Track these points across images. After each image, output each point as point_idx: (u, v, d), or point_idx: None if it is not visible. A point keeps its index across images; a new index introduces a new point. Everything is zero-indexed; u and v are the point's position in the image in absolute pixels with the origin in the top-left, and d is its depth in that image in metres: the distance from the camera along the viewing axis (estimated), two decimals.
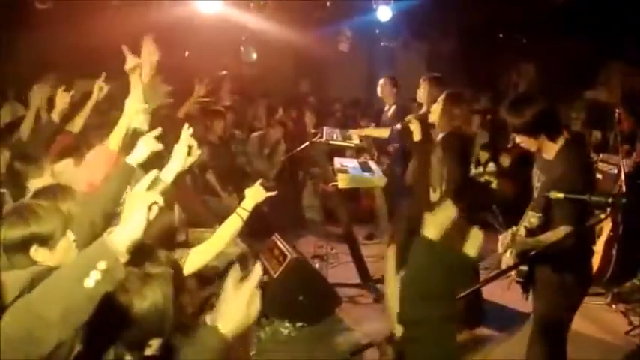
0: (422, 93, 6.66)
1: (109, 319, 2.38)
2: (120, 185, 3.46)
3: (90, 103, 5.31)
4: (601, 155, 7.70)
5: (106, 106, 5.40)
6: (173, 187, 3.24)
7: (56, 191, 3.38)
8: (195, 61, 11.00)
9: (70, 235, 2.97)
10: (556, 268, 4.13)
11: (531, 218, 4.10)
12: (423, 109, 6.60)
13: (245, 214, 3.79)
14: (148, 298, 2.39)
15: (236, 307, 2.23)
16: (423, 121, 6.16)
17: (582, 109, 8.69)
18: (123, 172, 3.47)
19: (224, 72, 9.89)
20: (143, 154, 3.44)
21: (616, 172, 6.89)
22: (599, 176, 7.48)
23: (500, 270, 3.95)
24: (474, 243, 1.97)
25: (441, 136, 6.03)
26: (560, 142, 4.15)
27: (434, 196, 6.17)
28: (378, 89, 8.35)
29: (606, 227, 6.64)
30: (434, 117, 6.00)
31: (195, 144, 3.34)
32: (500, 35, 11.91)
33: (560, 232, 3.85)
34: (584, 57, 9.21)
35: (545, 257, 4.06)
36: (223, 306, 2.24)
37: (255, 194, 3.85)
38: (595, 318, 6.28)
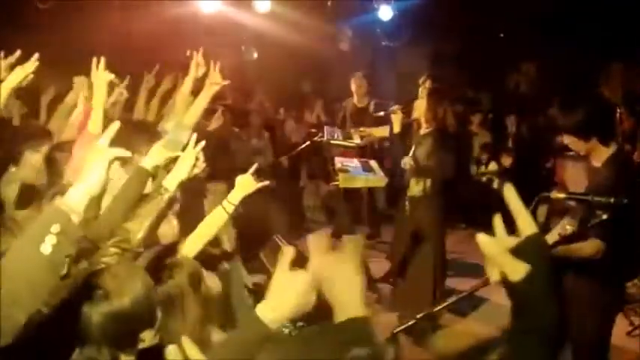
0: (424, 91, 6.69)
1: (87, 325, 2.36)
2: (136, 191, 3.35)
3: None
4: None
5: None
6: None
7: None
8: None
9: None
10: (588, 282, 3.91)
11: (567, 225, 3.78)
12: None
13: (231, 208, 3.64)
14: (126, 294, 2.37)
15: (290, 295, 2.08)
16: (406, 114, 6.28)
17: None
18: (140, 177, 3.37)
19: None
20: (159, 159, 3.35)
21: None
22: None
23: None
24: None
25: (428, 130, 6.08)
26: (613, 148, 3.89)
27: (417, 190, 6.19)
28: (356, 87, 8.54)
29: None
30: (418, 113, 6.07)
31: (201, 156, 3.29)
32: (502, 35, 11.90)
33: (591, 246, 3.70)
34: (586, 57, 9.19)
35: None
36: (276, 294, 2.08)
37: (244, 185, 3.70)
38: None
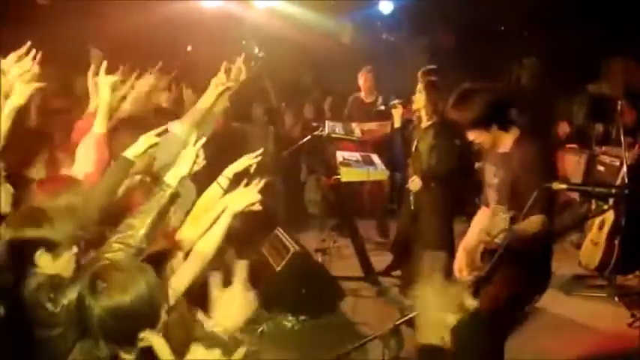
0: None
1: (89, 318, 2.38)
2: (117, 179, 3.52)
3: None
4: (603, 148, 7.71)
5: None
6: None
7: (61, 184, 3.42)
8: (198, 55, 11.01)
9: (74, 249, 2.98)
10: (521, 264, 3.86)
11: (502, 215, 3.90)
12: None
13: (226, 183, 3.75)
14: (129, 290, 2.38)
15: (230, 308, 2.37)
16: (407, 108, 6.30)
17: (584, 103, 8.68)
18: (121, 166, 3.51)
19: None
20: (140, 149, 3.49)
21: (618, 164, 6.90)
22: (601, 168, 7.49)
23: None
24: None
25: (429, 123, 6.09)
26: (515, 131, 4.01)
27: (417, 182, 6.20)
28: (363, 82, 8.53)
29: (609, 219, 6.64)
30: (417, 105, 6.08)
31: (202, 153, 3.32)
32: (503, 28, 11.89)
33: (535, 221, 3.69)
34: (587, 50, 9.18)
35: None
36: (217, 311, 2.38)
37: (241, 161, 3.82)
38: (598, 310, 6.29)
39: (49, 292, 2.80)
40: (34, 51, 3.78)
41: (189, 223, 3.58)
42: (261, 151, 3.85)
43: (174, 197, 3.07)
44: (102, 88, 4.08)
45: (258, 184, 3.47)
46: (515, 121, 4.10)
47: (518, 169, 3.91)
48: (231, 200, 3.44)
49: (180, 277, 3.20)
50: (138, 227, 2.91)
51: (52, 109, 5.52)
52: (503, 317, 4.04)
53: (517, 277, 3.85)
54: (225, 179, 3.76)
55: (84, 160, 4.01)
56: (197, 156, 3.22)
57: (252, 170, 3.82)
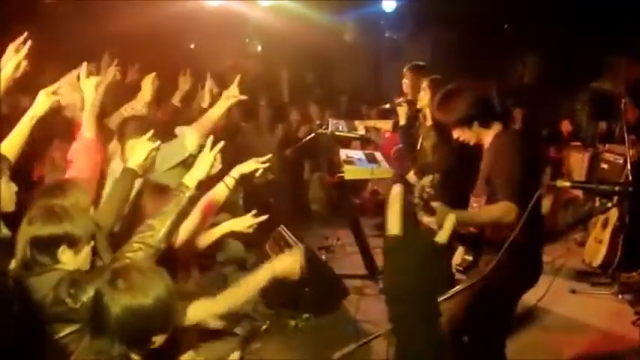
0: (406, 83, 6.67)
1: (105, 316, 2.39)
2: (125, 190, 3.67)
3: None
4: (607, 145, 7.70)
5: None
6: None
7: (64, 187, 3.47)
8: (200, 53, 11.02)
9: (91, 244, 3.04)
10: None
11: (474, 203, 4.00)
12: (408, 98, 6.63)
13: (232, 182, 3.88)
14: (150, 292, 2.39)
15: None
16: (410, 108, 6.29)
17: (587, 100, 8.67)
18: (127, 177, 3.67)
19: (229, 63, 9.88)
20: (142, 157, 3.62)
21: (622, 161, 6.88)
22: (605, 166, 7.47)
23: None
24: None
25: (433, 122, 6.08)
26: (497, 127, 4.08)
27: (425, 180, 6.19)
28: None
29: (613, 217, 6.64)
30: (422, 103, 6.08)
31: (219, 157, 3.41)
32: (506, 26, 11.87)
33: (501, 206, 3.67)
34: (590, 47, 9.17)
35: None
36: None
37: (248, 164, 3.98)
38: (602, 308, 6.29)
39: (69, 287, 2.83)
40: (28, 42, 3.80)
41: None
42: (269, 156, 4.01)
43: (193, 199, 3.13)
44: (86, 92, 4.08)
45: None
46: (498, 116, 4.17)
47: (490, 161, 4.00)
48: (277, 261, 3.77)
49: (200, 311, 3.29)
50: (158, 228, 2.99)
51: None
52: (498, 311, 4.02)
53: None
54: (231, 179, 3.84)
55: (76, 165, 4.05)
56: (214, 159, 3.29)
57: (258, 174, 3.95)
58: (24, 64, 3.79)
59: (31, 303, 2.85)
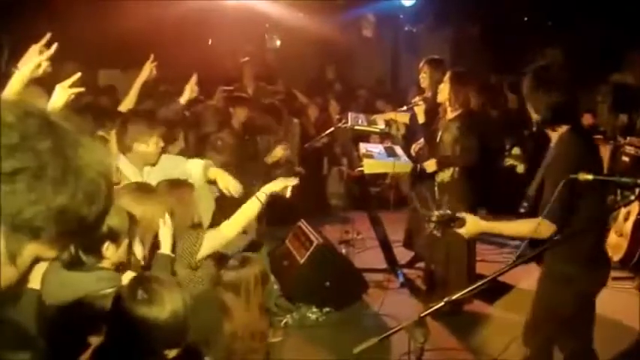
0: (424, 77, 6.68)
1: (126, 329, 2.40)
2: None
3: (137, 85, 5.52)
4: (628, 138, 7.65)
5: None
6: None
7: None
8: (219, 49, 11.06)
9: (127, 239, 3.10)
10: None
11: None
12: (427, 93, 6.63)
13: (264, 197, 3.97)
14: (168, 305, 2.40)
15: None
16: (428, 103, 6.28)
17: (608, 93, 8.63)
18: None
19: (246, 59, 9.89)
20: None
21: None
22: (625, 159, 7.43)
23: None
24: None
25: (454, 115, 6.07)
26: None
27: (445, 175, 6.19)
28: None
29: (634, 210, 6.59)
30: (442, 97, 6.07)
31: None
32: (526, 19, 11.81)
33: (534, 225, 3.52)
34: (610, 40, 9.12)
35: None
36: None
37: (278, 182, 4.10)
38: (623, 303, 6.26)
39: (109, 285, 2.85)
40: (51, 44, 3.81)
41: (215, 234, 3.97)
42: (296, 181, 4.15)
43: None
44: (59, 96, 3.79)
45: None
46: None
47: (548, 162, 3.91)
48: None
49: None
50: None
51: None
52: None
53: None
54: (263, 195, 3.98)
55: None
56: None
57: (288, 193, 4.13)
58: (45, 64, 3.78)
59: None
